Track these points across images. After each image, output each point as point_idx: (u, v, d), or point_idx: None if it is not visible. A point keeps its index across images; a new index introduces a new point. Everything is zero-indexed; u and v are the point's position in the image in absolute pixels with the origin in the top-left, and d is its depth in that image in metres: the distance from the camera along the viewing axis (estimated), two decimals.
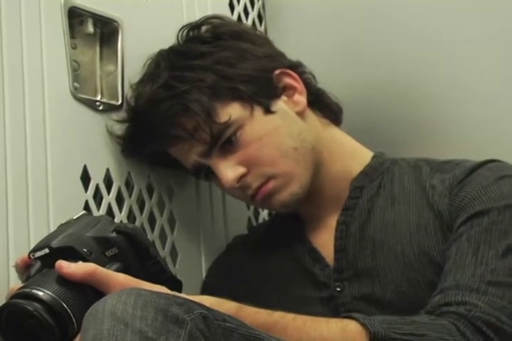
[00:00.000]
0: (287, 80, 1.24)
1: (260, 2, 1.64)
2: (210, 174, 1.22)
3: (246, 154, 1.18)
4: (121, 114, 1.26)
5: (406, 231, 1.15)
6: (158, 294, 0.85)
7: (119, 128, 1.24)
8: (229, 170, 1.17)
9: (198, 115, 1.16)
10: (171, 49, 1.25)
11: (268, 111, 1.20)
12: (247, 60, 1.21)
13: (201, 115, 1.16)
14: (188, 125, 1.17)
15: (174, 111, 1.17)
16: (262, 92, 1.20)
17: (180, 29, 1.27)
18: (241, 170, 1.18)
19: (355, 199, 1.21)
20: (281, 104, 1.22)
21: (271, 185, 1.18)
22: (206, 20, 1.28)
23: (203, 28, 1.27)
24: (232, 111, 1.17)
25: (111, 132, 1.23)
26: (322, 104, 1.27)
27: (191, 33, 1.27)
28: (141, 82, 1.24)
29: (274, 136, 1.19)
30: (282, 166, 1.18)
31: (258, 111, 1.19)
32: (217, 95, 1.17)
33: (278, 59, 1.26)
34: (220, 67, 1.19)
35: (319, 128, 1.25)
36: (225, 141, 1.17)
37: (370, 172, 1.23)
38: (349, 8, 1.52)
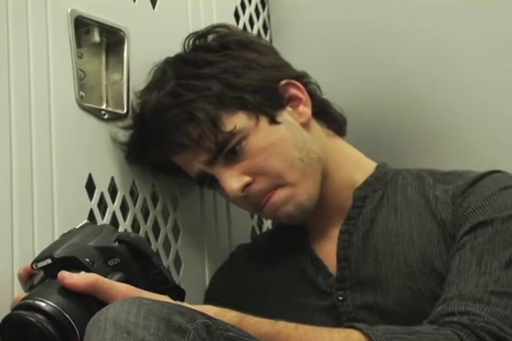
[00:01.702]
0: (293, 91, 1.24)
1: (265, 12, 1.65)
2: (214, 183, 1.22)
3: (251, 164, 1.18)
4: (127, 122, 1.26)
5: (409, 240, 1.15)
6: (161, 303, 0.85)
7: (123, 135, 1.24)
8: (233, 180, 1.18)
9: (204, 123, 1.16)
10: (178, 57, 1.25)
11: (273, 121, 1.20)
12: (254, 70, 1.21)
13: (207, 124, 1.16)
14: (193, 133, 1.18)
15: (180, 119, 1.17)
16: (268, 103, 1.20)
17: (187, 37, 1.27)
18: (246, 179, 1.18)
19: (358, 209, 1.22)
20: (286, 115, 1.22)
21: (278, 194, 1.18)
22: (213, 29, 1.28)
23: (210, 37, 1.27)
24: (237, 121, 1.18)
25: (115, 139, 1.24)
26: (326, 115, 1.27)
27: (198, 42, 1.27)
28: (148, 89, 1.24)
29: (280, 147, 1.19)
30: (288, 176, 1.18)
31: (263, 122, 1.19)
32: (223, 104, 1.17)
33: (284, 69, 1.26)
34: (227, 77, 1.19)
35: (324, 139, 1.25)
36: (230, 151, 1.18)
37: (373, 183, 1.23)
38: (354, 18, 1.53)
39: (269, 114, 1.20)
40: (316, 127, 1.25)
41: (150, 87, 1.23)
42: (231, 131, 1.17)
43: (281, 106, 1.22)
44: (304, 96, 1.24)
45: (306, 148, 1.21)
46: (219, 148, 1.17)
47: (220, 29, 1.28)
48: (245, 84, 1.19)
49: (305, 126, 1.23)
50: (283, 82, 1.23)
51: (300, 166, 1.19)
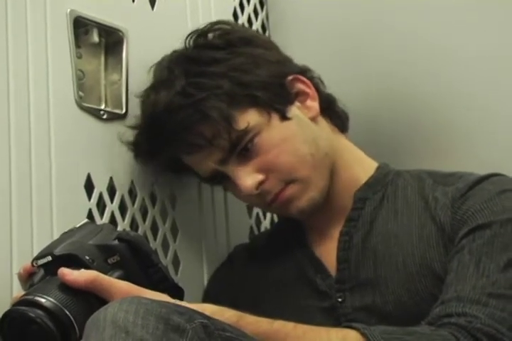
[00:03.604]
0: (300, 86, 1.24)
1: (264, 12, 1.65)
2: (224, 181, 1.22)
3: (264, 161, 1.18)
4: (135, 122, 1.25)
5: (408, 242, 1.15)
6: (160, 302, 0.85)
7: (130, 135, 1.23)
8: (248, 177, 1.17)
9: (218, 122, 1.15)
10: (182, 54, 1.24)
11: (284, 117, 1.20)
12: (261, 66, 1.21)
13: (221, 122, 1.15)
14: (207, 133, 1.17)
15: (193, 119, 1.16)
16: (278, 99, 1.20)
17: (188, 35, 1.26)
18: (260, 177, 1.18)
19: (358, 211, 1.22)
20: (295, 110, 1.22)
21: (289, 190, 1.19)
22: (213, 27, 1.27)
23: (210, 35, 1.26)
24: (250, 118, 1.17)
25: (122, 139, 1.23)
26: (331, 111, 1.27)
27: (200, 40, 1.26)
28: (154, 87, 1.22)
29: (291, 143, 1.19)
30: (300, 171, 1.19)
31: (275, 118, 1.19)
32: (234, 102, 1.17)
33: (288, 64, 1.27)
34: (236, 74, 1.18)
35: (331, 134, 1.25)
36: (243, 148, 1.17)
37: (373, 184, 1.23)
38: (352, 18, 1.53)
39: (280, 110, 1.20)
40: (324, 123, 1.25)
41: (156, 86, 1.22)
42: (245, 129, 1.16)
43: (290, 101, 1.22)
44: (310, 90, 1.24)
45: (316, 143, 1.21)
46: (233, 146, 1.17)
47: (221, 26, 1.27)
48: (254, 80, 1.19)
49: (314, 120, 1.23)
50: (290, 78, 1.23)
51: (311, 161, 1.19)
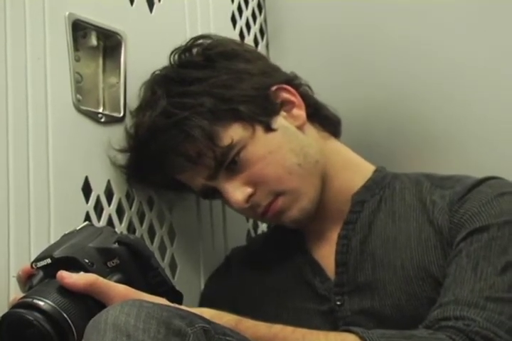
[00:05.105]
0: (284, 95, 1.23)
1: (262, 16, 1.65)
2: (217, 194, 1.22)
3: (251, 174, 1.18)
4: (123, 127, 1.26)
5: (406, 246, 1.15)
6: (161, 306, 0.85)
7: (122, 159, 1.24)
8: (237, 192, 1.18)
9: (201, 141, 1.16)
10: (165, 75, 1.24)
11: (269, 129, 1.20)
12: (244, 80, 1.21)
13: (204, 141, 1.16)
14: (192, 152, 1.17)
15: (177, 139, 1.17)
16: (262, 111, 1.20)
17: (171, 53, 1.26)
18: (248, 190, 1.18)
19: (356, 214, 1.22)
20: (281, 121, 1.22)
21: (280, 202, 1.19)
22: (196, 42, 1.27)
23: (194, 51, 1.26)
24: (233, 133, 1.17)
25: (114, 162, 1.23)
26: (321, 117, 1.27)
27: (183, 56, 1.26)
28: (140, 109, 1.24)
29: (277, 154, 1.19)
30: (288, 183, 1.19)
31: (259, 131, 1.19)
32: (217, 118, 1.17)
33: (273, 74, 1.26)
34: (218, 91, 1.18)
35: (320, 141, 1.25)
36: (230, 162, 1.17)
37: (371, 187, 1.23)
38: (351, 23, 1.52)
39: (264, 122, 1.20)
40: (312, 130, 1.25)
41: (141, 108, 1.23)
42: (229, 145, 1.16)
43: (275, 112, 1.22)
44: (296, 99, 1.24)
45: (303, 153, 1.21)
46: (218, 163, 1.17)
47: (202, 41, 1.27)
48: (237, 95, 1.19)
49: (301, 129, 1.23)
50: (274, 88, 1.23)
51: (299, 172, 1.19)
